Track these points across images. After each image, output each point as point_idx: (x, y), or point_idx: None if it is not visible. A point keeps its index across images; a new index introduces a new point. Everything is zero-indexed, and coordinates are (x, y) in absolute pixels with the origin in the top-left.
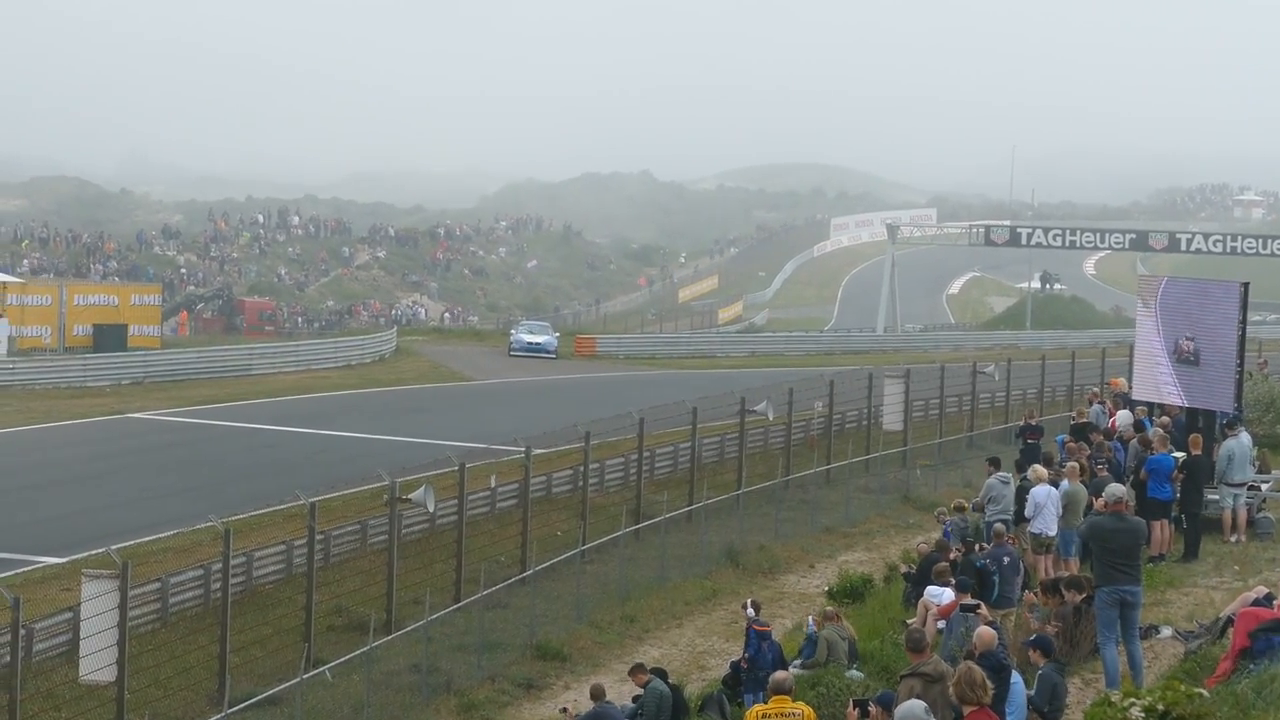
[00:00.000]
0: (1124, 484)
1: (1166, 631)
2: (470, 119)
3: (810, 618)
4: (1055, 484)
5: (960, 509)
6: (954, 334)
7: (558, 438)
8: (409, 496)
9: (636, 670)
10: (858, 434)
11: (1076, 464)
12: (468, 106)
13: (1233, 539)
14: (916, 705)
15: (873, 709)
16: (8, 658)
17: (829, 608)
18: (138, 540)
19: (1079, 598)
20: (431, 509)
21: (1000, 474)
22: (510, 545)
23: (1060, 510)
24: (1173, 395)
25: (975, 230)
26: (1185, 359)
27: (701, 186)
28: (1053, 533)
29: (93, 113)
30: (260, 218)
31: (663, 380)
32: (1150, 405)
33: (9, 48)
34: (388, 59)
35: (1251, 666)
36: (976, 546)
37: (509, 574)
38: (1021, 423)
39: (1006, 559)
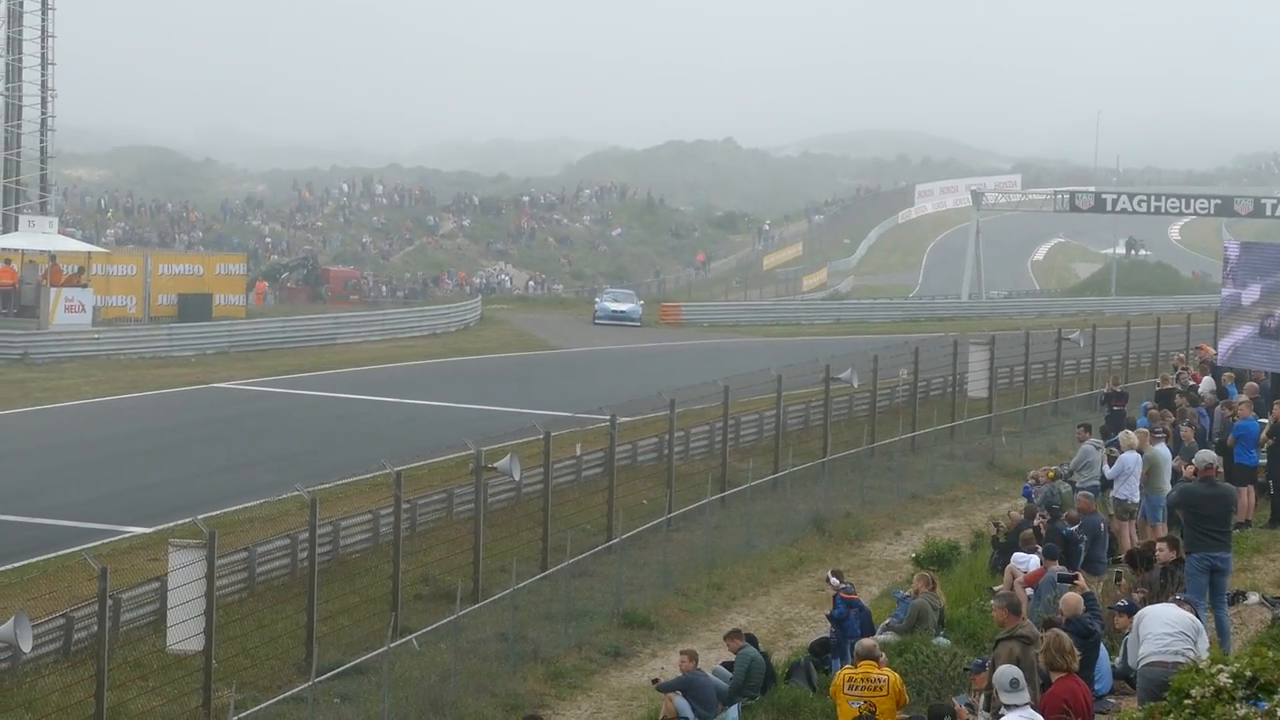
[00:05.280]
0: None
1: (1254, 598)
2: (554, 87)
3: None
4: (1143, 451)
5: (1051, 477)
6: (1039, 300)
7: (643, 406)
8: (494, 465)
9: (732, 635)
10: (943, 401)
11: (1162, 430)
12: (552, 74)
13: None
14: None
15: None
16: (95, 627)
17: (923, 573)
18: (224, 510)
19: (1172, 556)
20: (517, 477)
21: (1094, 439)
22: (596, 514)
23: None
24: (1258, 361)
25: (1060, 196)
26: (1270, 324)
27: (785, 154)
28: (1136, 499)
29: (176, 82)
30: (345, 187)
31: (747, 348)
32: (1236, 371)
33: (91, 17)
34: (466, 25)
35: None
36: (1064, 514)
37: (595, 542)
38: (1106, 389)
39: (1103, 525)
